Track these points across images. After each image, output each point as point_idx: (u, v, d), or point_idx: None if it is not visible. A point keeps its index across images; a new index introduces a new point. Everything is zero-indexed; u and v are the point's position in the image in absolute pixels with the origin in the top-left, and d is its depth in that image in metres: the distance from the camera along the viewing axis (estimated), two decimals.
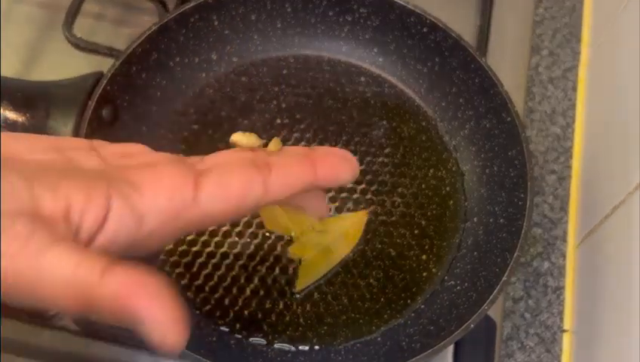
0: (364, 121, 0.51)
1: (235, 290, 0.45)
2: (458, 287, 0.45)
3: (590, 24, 0.64)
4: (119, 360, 0.45)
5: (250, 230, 0.46)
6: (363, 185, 0.49)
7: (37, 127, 0.43)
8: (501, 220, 0.46)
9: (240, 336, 0.43)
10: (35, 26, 0.57)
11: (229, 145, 0.50)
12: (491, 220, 0.47)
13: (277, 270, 0.45)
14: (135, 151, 0.28)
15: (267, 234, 0.46)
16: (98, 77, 0.45)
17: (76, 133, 0.43)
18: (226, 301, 0.44)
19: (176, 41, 0.49)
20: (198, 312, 0.44)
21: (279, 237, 0.46)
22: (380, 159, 0.50)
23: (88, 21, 0.57)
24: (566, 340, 0.51)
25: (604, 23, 0.60)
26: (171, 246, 0.45)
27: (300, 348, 0.43)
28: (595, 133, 0.57)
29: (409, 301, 0.45)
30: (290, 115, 0.51)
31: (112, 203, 0.23)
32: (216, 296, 0.44)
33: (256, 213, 0.47)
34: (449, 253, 0.47)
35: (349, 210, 0.48)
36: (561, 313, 0.52)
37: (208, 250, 0.45)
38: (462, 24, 0.55)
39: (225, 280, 0.45)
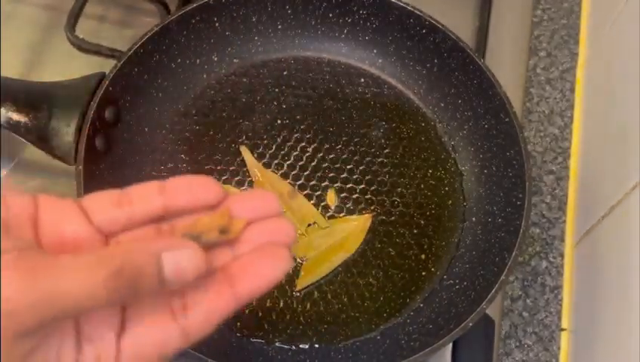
0: (364, 122, 0.52)
1: None
2: (457, 286, 0.45)
3: (588, 25, 0.64)
4: None
5: None
6: (363, 185, 0.49)
7: (40, 127, 0.44)
8: (499, 220, 0.46)
9: (240, 335, 0.44)
10: (37, 27, 0.57)
11: (229, 146, 0.50)
12: (490, 220, 0.47)
13: None
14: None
15: None
16: (100, 78, 0.45)
17: (79, 134, 0.43)
18: None
19: (177, 42, 0.49)
20: None
21: None
22: (380, 159, 0.50)
23: (90, 22, 0.57)
24: (564, 339, 0.51)
25: (601, 24, 0.60)
26: None
27: (300, 346, 0.44)
28: (593, 134, 0.57)
29: (408, 300, 0.46)
30: (290, 115, 0.51)
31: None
32: None
33: None
34: (448, 252, 0.47)
35: (348, 210, 0.48)
36: (559, 312, 0.52)
37: None
38: (461, 26, 0.55)
39: None
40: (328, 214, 0.48)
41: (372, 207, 0.48)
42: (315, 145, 0.50)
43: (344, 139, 0.51)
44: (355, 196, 0.49)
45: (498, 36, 0.60)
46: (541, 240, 0.55)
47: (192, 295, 0.26)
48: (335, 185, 0.49)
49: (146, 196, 0.27)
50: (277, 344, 0.44)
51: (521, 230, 0.43)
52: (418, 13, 0.50)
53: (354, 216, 0.48)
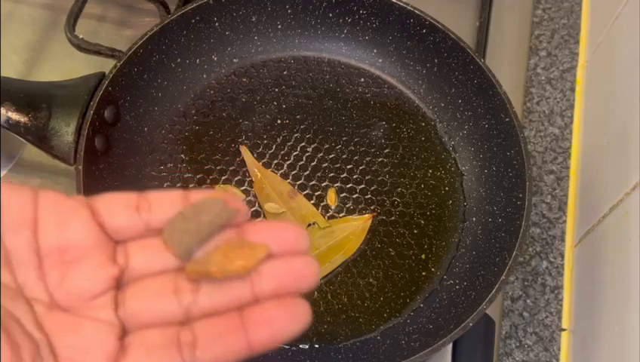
0: (364, 122, 0.52)
1: None
2: (457, 286, 0.45)
3: (588, 25, 0.64)
4: None
5: None
6: (363, 185, 0.49)
7: (39, 127, 0.44)
8: (500, 220, 0.46)
9: None
10: (37, 27, 0.57)
11: (229, 146, 0.50)
12: (490, 220, 0.47)
13: None
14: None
15: None
16: (100, 78, 0.45)
17: (78, 134, 0.43)
18: None
19: (177, 42, 0.49)
20: None
21: None
22: (380, 159, 0.50)
23: (90, 22, 0.57)
24: (564, 339, 0.51)
25: (602, 24, 0.60)
26: None
27: (300, 346, 0.44)
28: (593, 134, 0.57)
29: (408, 300, 0.45)
30: (290, 115, 0.51)
31: None
32: None
33: (257, 210, 0.47)
34: (448, 252, 0.47)
35: (348, 210, 0.48)
36: (559, 312, 0.52)
37: None
38: (461, 25, 0.55)
39: None
40: (328, 214, 0.48)
41: (372, 207, 0.48)
42: (315, 145, 0.50)
43: (344, 139, 0.51)
44: (355, 196, 0.49)
45: (498, 36, 0.60)
46: (541, 240, 0.55)
47: (203, 330, 0.24)
48: (335, 185, 0.49)
49: (167, 203, 0.25)
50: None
51: (522, 230, 0.43)
52: (418, 13, 0.50)
53: (354, 216, 0.48)
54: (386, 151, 0.51)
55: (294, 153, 0.50)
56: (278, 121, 0.51)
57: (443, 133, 0.52)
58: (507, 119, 0.47)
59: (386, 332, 0.44)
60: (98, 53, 0.48)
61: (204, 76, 0.52)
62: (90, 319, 0.24)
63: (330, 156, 0.50)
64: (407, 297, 0.46)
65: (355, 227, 0.47)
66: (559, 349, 0.51)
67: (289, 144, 0.50)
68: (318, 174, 0.49)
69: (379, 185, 0.49)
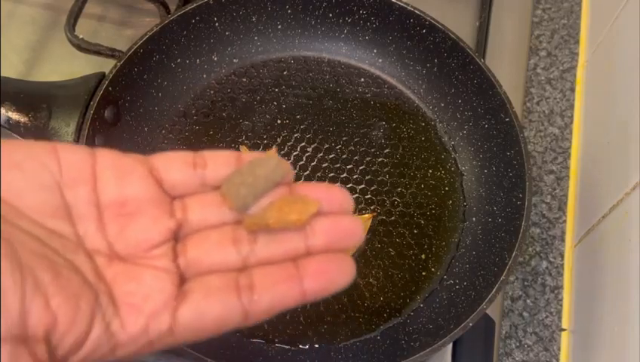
0: (364, 122, 0.52)
1: None
2: (457, 286, 0.45)
3: (588, 25, 0.64)
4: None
5: None
6: (363, 185, 0.49)
7: (39, 127, 0.44)
8: (500, 220, 0.46)
9: (240, 335, 0.44)
10: (37, 27, 0.57)
11: (229, 146, 0.50)
12: (490, 220, 0.47)
13: None
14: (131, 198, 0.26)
15: None
16: (100, 78, 0.45)
17: (78, 134, 0.43)
18: None
19: (177, 42, 0.49)
20: None
21: None
22: (380, 159, 0.50)
23: (90, 22, 0.57)
24: (564, 339, 0.51)
25: (602, 24, 0.60)
26: None
27: (300, 346, 0.44)
28: (593, 134, 0.57)
29: (408, 300, 0.46)
30: (290, 115, 0.51)
31: (93, 328, 0.23)
32: None
33: None
34: (448, 252, 0.47)
35: None
36: (559, 312, 0.52)
37: None
38: (461, 25, 0.55)
39: None
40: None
41: (372, 207, 0.48)
42: (315, 145, 0.50)
43: (344, 139, 0.51)
44: (355, 196, 0.49)
45: (498, 36, 0.60)
46: (541, 240, 0.55)
47: (261, 277, 0.25)
48: (335, 185, 0.49)
49: (222, 162, 0.27)
50: (277, 344, 0.44)
51: (522, 230, 0.43)
52: (418, 13, 0.50)
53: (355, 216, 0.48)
54: (386, 151, 0.51)
55: (294, 153, 0.50)
56: (278, 121, 0.51)
57: (443, 133, 0.52)
58: (507, 119, 0.47)
59: (386, 332, 0.44)
60: (98, 53, 0.49)
61: (204, 76, 0.52)
62: (149, 267, 0.25)
63: (330, 156, 0.50)
64: (407, 297, 0.46)
65: None
66: (559, 349, 0.51)
67: (289, 144, 0.50)
68: (318, 174, 0.49)
69: (379, 185, 0.49)
